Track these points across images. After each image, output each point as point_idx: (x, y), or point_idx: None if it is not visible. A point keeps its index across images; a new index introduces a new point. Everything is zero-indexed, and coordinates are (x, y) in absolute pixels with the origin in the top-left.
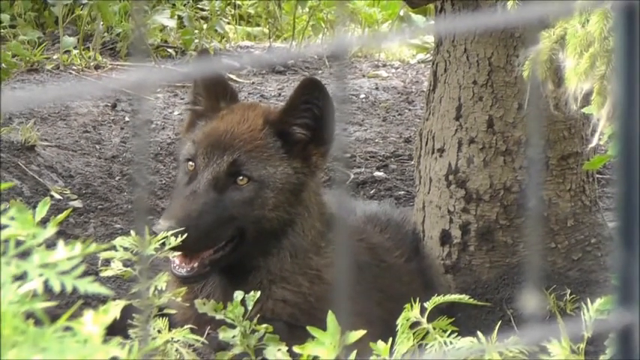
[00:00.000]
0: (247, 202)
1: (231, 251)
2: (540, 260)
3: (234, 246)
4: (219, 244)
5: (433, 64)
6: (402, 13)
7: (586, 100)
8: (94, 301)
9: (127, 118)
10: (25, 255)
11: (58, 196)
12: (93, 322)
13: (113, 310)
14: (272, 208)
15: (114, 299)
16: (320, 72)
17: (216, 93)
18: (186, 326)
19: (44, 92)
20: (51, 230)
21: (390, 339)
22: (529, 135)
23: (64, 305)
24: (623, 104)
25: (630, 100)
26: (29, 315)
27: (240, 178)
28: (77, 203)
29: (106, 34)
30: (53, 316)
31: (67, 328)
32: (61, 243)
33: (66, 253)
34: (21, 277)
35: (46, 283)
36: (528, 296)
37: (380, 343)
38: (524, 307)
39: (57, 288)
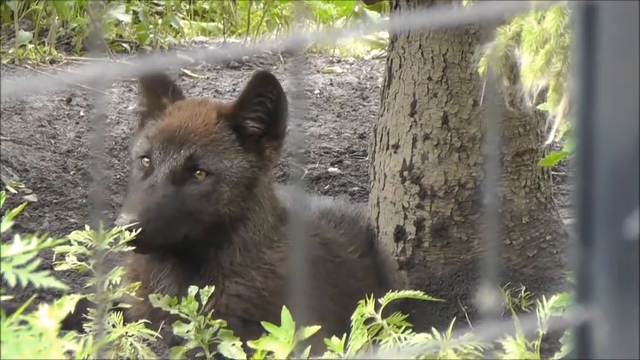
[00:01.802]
0: (205, 195)
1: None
2: (496, 257)
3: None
4: (177, 239)
5: (388, 60)
6: (356, 9)
7: (541, 97)
8: (49, 296)
9: (82, 113)
10: None
11: (13, 191)
12: (48, 316)
13: (68, 304)
14: (226, 202)
15: (69, 293)
16: (275, 67)
17: (156, 90)
18: (140, 321)
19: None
20: (6, 224)
21: (345, 335)
22: (484, 131)
23: (19, 299)
24: (580, 101)
25: (588, 96)
26: None
27: (198, 172)
28: (32, 197)
29: (61, 28)
30: (8, 309)
31: (23, 322)
32: (16, 237)
33: (21, 247)
34: None
35: (1, 277)
36: (484, 292)
37: (334, 339)
38: (479, 303)
39: (12, 282)
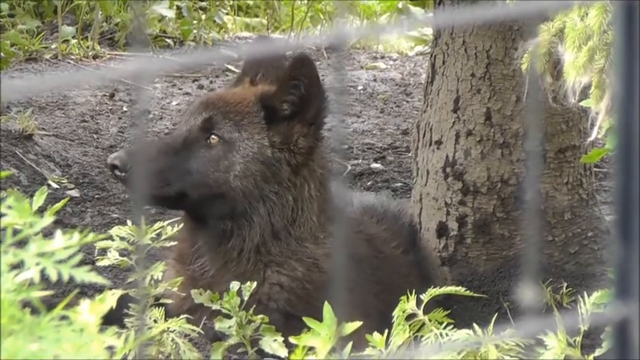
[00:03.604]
0: (213, 160)
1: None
2: (537, 253)
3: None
4: (167, 193)
5: (431, 56)
6: (400, 6)
7: (584, 93)
8: (91, 291)
9: (124, 108)
10: (22, 244)
11: (55, 186)
12: (89, 312)
13: (109, 299)
14: (239, 175)
15: (110, 289)
16: (318, 63)
17: (247, 73)
18: (182, 316)
19: (42, 81)
20: (48, 219)
21: (386, 331)
22: (527, 128)
23: (60, 295)
24: (621, 98)
25: (629, 93)
26: (26, 304)
27: (213, 136)
28: (74, 192)
29: (104, 23)
30: (50, 305)
31: (64, 317)
32: (58, 232)
33: (63, 242)
34: (18, 266)
35: (43, 273)
36: (525, 289)
37: (376, 334)
38: (521, 299)
39: (54, 277)
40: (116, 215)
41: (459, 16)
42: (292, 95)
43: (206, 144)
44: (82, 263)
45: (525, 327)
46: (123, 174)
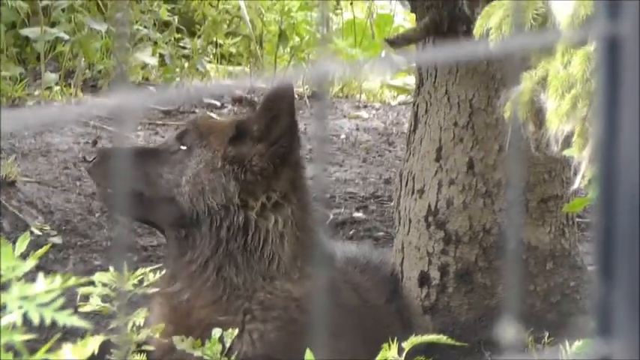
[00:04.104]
0: (171, 163)
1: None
2: (517, 294)
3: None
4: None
5: (414, 105)
6: (383, 55)
7: (567, 142)
8: (73, 338)
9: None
10: (4, 288)
11: (37, 232)
12: (71, 355)
13: (91, 343)
14: (189, 180)
15: (92, 335)
16: (301, 112)
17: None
18: None
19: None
20: (30, 263)
21: None
22: (509, 176)
23: (42, 340)
24: (601, 132)
25: (611, 137)
26: (9, 348)
27: (181, 146)
28: (57, 239)
29: (87, 70)
30: (32, 350)
31: None
32: (40, 276)
33: (45, 285)
34: None
35: (25, 317)
36: (506, 327)
37: None
38: (501, 338)
39: (36, 320)
40: (98, 262)
41: (440, 54)
42: (264, 118)
43: (173, 151)
44: (64, 308)
45: None
46: (87, 165)
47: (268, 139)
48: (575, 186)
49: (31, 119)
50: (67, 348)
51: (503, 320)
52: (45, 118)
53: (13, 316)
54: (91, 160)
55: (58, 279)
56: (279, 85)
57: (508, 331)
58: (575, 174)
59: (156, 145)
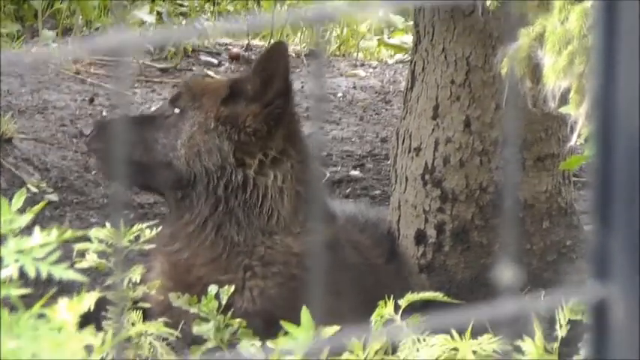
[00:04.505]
0: (165, 128)
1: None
2: (515, 235)
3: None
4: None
5: (411, 63)
6: (380, 14)
7: (564, 99)
8: (68, 294)
9: (104, 113)
10: (0, 243)
11: (34, 189)
12: (67, 310)
13: (87, 299)
14: (185, 143)
15: (88, 291)
16: (298, 70)
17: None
18: (159, 319)
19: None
20: (27, 217)
21: (364, 336)
22: (505, 133)
23: (38, 296)
24: (601, 83)
25: (609, 81)
26: (5, 302)
27: (175, 109)
28: (53, 197)
29: (85, 28)
30: (28, 305)
31: (42, 316)
32: (36, 229)
33: (41, 239)
34: None
35: (22, 272)
36: (503, 270)
37: (354, 339)
38: (499, 280)
39: (32, 273)
40: (95, 220)
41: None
42: (258, 78)
43: (167, 115)
44: (60, 262)
45: (503, 307)
46: (84, 138)
47: (262, 100)
48: (572, 143)
49: (26, 59)
50: (63, 302)
51: (500, 263)
52: (38, 59)
53: (9, 270)
54: (87, 134)
55: (54, 232)
56: (274, 46)
57: (505, 273)
58: (572, 131)
59: (153, 110)
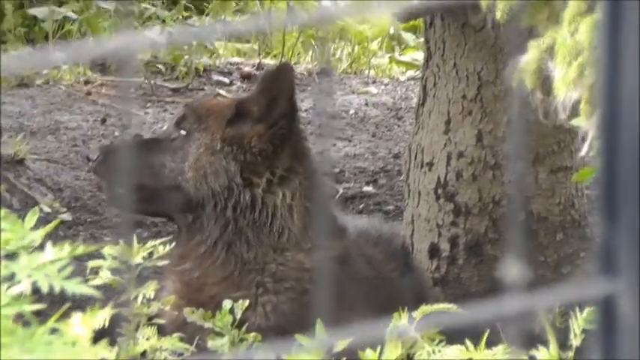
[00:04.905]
0: (172, 151)
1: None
2: (520, 229)
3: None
4: (128, 183)
5: (422, 78)
6: (391, 31)
7: (575, 111)
8: (82, 311)
9: (116, 133)
10: (12, 257)
11: (47, 209)
12: (81, 325)
13: (101, 314)
14: (192, 165)
15: (101, 307)
16: (309, 88)
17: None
18: (174, 335)
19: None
20: (40, 233)
21: (379, 348)
22: (516, 145)
23: (51, 314)
24: (605, 81)
25: (613, 79)
26: (18, 318)
27: (181, 131)
28: (66, 216)
29: None
30: (41, 321)
31: (55, 331)
32: (48, 245)
33: (53, 254)
34: (8, 279)
35: (35, 289)
36: (509, 265)
37: (369, 351)
38: (504, 276)
39: (45, 289)
40: (108, 239)
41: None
42: (264, 99)
43: (173, 138)
44: (73, 278)
45: (510, 304)
46: (91, 163)
47: (267, 121)
48: (583, 153)
49: (32, 62)
50: (76, 317)
51: (506, 260)
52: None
53: (23, 286)
54: (94, 159)
55: (66, 248)
56: (280, 66)
57: (511, 270)
58: (584, 140)
59: (158, 133)
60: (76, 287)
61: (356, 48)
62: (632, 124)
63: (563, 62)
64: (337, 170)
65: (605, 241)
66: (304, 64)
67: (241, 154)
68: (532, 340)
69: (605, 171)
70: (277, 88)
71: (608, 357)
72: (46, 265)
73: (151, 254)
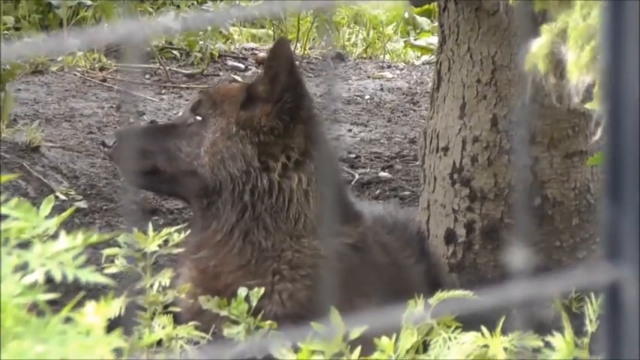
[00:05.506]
0: (187, 136)
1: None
2: (526, 216)
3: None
4: (145, 167)
5: (437, 63)
6: (406, 15)
7: (589, 95)
8: (97, 299)
9: (131, 120)
10: (26, 246)
11: (62, 197)
12: (95, 313)
13: (116, 302)
14: (208, 150)
15: (117, 296)
16: (324, 73)
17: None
18: (190, 323)
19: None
20: (54, 221)
21: (394, 335)
22: (532, 131)
23: (66, 303)
24: (609, 68)
25: (617, 65)
26: (32, 307)
27: (196, 117)
28: (82, 204)
29: None
30: (55, 311)
31: (69, 320)
32: (62, 233)
33: (67, 243)
34: (22, 268)
35: (49, 278)
36: (515, 252)
37: (384, 339)
38: (510, 262)
39: (58, 277)
40: (124, 226)
41: None
42: (267, 77)
43: (189, 124)
44: (87, 266)
45: (517, 289)
46: (106, 149)
47: (272, 97)
48: (597, 137)
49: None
50: (90, 306)
51: (512, 246)
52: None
53: (36, 275)
54: (110, 144)
55: (80, 236)
56: (276, 43)
57: (517, 256)
58: (597, 124)
59: (174, 119)
60: (89, 276)
61: (371, 33)
62: (637, 108)
63: (575, 46)
64: (353, 156)
65: (610, 226)
66: (319, 49)
67: (255, 135)
68: (545, 326)
69: (610, 155)
70: (277, 65)
71: (614, 343)
72: (60, 253)
73: (166, 242)
